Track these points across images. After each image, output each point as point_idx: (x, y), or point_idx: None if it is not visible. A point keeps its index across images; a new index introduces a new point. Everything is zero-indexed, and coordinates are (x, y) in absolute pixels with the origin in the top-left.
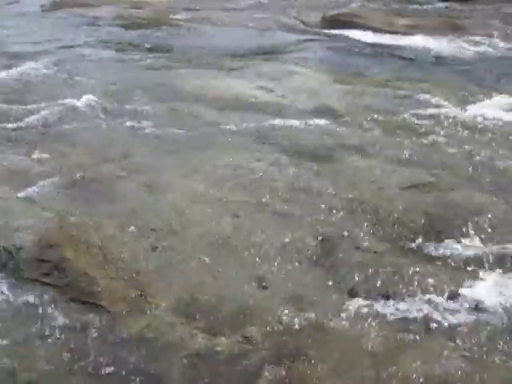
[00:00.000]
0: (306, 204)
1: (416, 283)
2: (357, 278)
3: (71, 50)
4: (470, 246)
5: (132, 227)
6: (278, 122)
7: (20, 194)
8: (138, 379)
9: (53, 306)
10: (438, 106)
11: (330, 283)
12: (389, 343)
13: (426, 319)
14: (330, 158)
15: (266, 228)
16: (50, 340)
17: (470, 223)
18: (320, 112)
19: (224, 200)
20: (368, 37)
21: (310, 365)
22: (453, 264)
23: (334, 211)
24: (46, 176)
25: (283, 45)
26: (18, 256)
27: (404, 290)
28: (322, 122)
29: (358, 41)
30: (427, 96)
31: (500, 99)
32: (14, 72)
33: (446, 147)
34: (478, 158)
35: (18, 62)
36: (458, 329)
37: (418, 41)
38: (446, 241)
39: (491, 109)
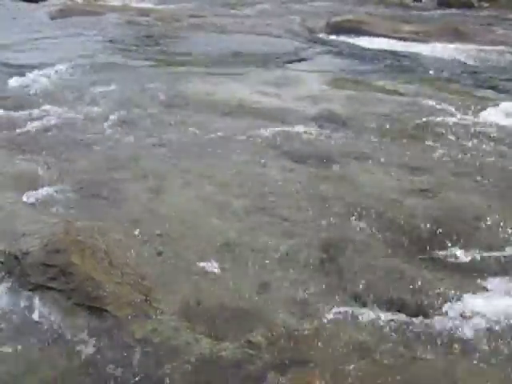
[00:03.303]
0: (310, 209)
1: (420, 289)
2: (361, 284)
3: (78, 57)
4: (473, 251)
5: (138, 232)
6: (282, 127)
7: (27, 199)
8: None
9: (58, 310)
10: (442, 112)
11: (334, 289)
12: (393, 350)
13: (430, 326)
14: (334, 163)
15: (271, 233)
16: (55, 344)
17: (473, 228)
18: (325, 118)
19: (229, 205)
20: (373, 43)
21: (314, 370)
22: (457, 269)
23: (338, 216)
24: (52, 181)
25: (288, 51)
26: (24, 261)
27: (408, 296)
28: (326, 127)
29: (363, 47)
30: (431, 102)
31: (503, 105)
32: (22, 79)
33: (449, 153)
34: (481, 163)
35: (27, 69)
36: (461, 335)
37: (422, 47)
38: (450, 246)
39: (494, 115)
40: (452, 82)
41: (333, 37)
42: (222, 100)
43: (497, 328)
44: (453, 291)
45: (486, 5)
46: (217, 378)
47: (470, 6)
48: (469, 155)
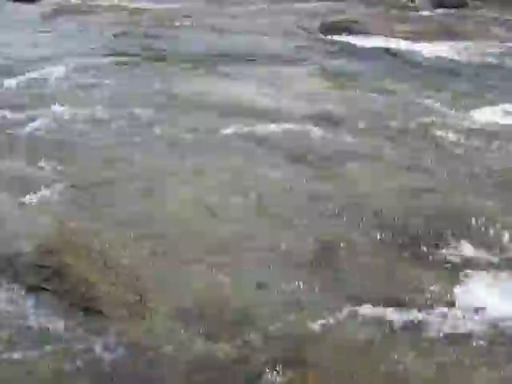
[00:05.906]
0: (306, 208)
1: (416, 288)
2: (357, 283)
3: (72, 57)
4: (470, 250)
5: (132, 232)
6: (277, 127)
7: (20, 200)
8: None
9: (53, 311)
10: (437, 112)
11: (330, 288)
12: (389, 348)
13: (426, 324)
14: (329, 162)
15: (266, 233)
16: (49, 346)
17: (470, 228)
18: (319, 117)
19: (223, 205)
20: (367, 43)
21: (310, 370)
22: (453, 269)
23: (334, 216)
24: (46, 182)
25: (283, 50)
26: (17, 262)
27: (404, 295)
28: (321, 126)
29: (357, 47)
30: (426, 101)
31: (499, 105)
32: (15, 80)
33: (445, 152)
34: (477, 162)
35: (20, 69)
36: (457, 334)
37: (417, 46)
38: (447, 245)
39: (491, 114)
40: (447, 81)
41: (327, 36)
42: (217, 99)
43: (491, 326)
44: (448, 291)
45: (480, 4)
46: (212, 378)
47: (465, 6)
48: (463, 154)
